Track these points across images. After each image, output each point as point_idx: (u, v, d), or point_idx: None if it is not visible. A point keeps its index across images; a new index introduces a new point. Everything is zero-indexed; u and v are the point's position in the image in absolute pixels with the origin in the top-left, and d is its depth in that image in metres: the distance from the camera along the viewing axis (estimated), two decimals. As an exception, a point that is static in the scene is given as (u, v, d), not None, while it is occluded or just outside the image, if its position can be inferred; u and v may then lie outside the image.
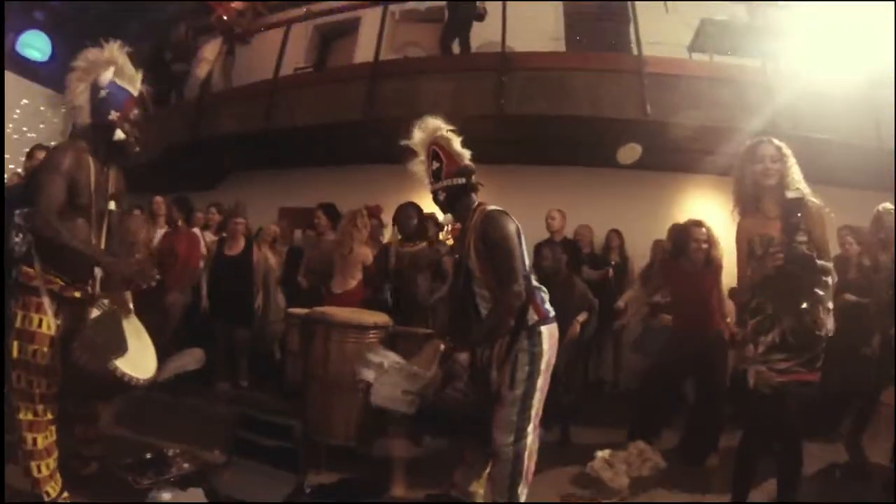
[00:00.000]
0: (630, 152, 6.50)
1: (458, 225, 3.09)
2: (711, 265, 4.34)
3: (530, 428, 2.83)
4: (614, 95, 6.00)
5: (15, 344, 2.68)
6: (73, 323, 2.73)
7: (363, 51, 7.76)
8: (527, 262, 2.95)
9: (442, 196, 2.99)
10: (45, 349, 2.68)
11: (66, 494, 2.82)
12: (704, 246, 4.31)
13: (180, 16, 10.80)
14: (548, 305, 2.95)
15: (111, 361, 2.54)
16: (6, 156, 5.09)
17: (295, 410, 3.95)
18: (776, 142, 2.92)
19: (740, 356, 4.71)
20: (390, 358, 3.04)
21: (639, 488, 3.75)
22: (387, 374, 2.94)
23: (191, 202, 6.51)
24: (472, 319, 2.95)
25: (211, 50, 8.95)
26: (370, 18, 7.98)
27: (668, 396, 4.66)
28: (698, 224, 4.42)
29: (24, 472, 2.74)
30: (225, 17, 9.04)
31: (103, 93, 2.87)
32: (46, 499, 2.74)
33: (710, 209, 5.51)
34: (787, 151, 2.89)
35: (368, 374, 2.97)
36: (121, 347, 2.61)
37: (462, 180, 2.96)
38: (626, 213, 6.77)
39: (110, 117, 2.87)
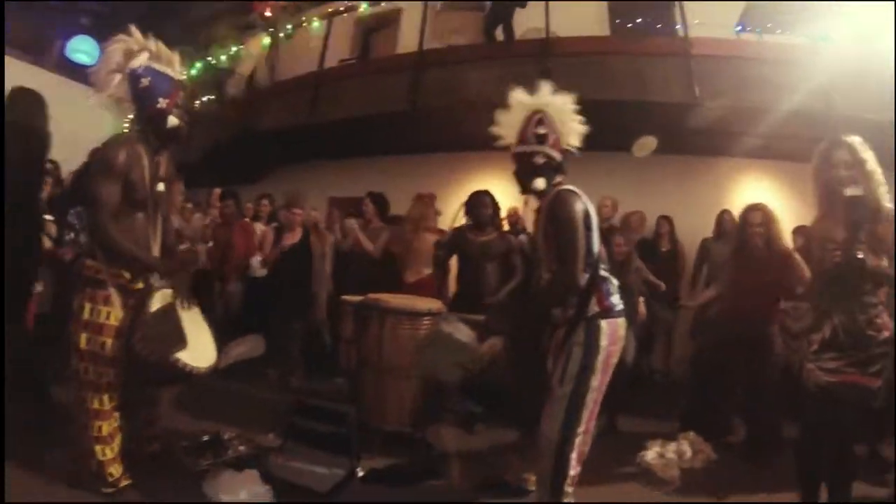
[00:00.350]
0: (645, 145, 6.41)
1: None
2: (774, 250, 4.13)
3: (580, 428, 2.60)
4: (661, 78, 5.92)
5: (83, 336, 2.73)
6: (135, 314, 2.73)
7: (406, 41, 7.80)
8: (595, 247, 2.71)
9: (541, 161, 2.74)
10: (113, 340, 2.73)
11: (127, 476, 2.88)
12: (760, 229, 4.14)
13: (220, 14, 11.04)
14: (615, 298, 2.71)
15: (172, 353, 2.61)
16: (62, 158, 5.24)
17: (349, 396, 4.02)
18: (853, 144, 2.73)
19: (792, 348, 4.67)
20: (460, 330, 2.93)
21: (690, 480, 3.65)
22: (440, 343, 2.89)
23: (239, 195, 6.61)
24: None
25: (254, 46, 9.12)
26: (411, 9, 8.01)
27: (719, 385, 4.34)
28: (754, 208, 4.26)
29: (88, 456, 2.80)
30: (268, 14, 9.21)
31: (145, 81, 2.84)
32: (110, 479, 2.82)
33: (760, 194, 5.42)
34: (865, 155, 2.71)
35: (427, 342, 2.99)
36: (180, 340, 2.66)
37: (560, 157, 2.79)
38: (675, 198, 6.65)
39: (159, 105, 2.85)
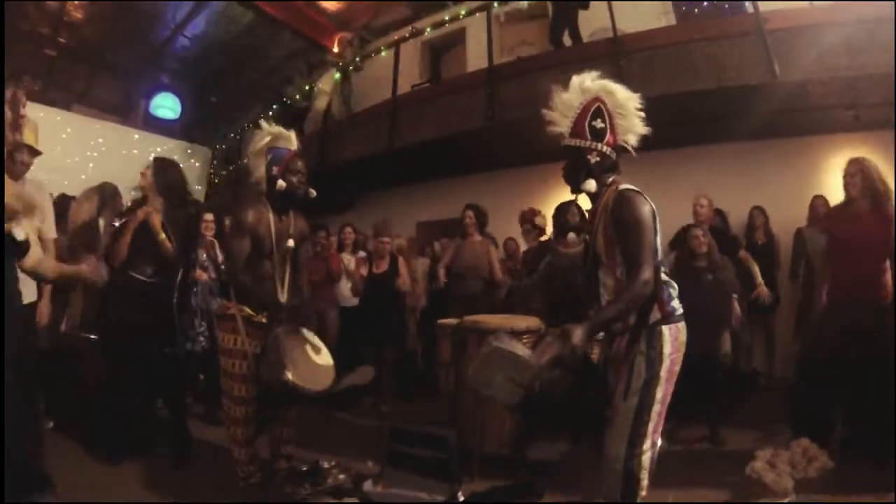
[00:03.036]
0: None
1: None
2: (879, 206, 3.77)
3: (647, 444, 2.46)
4: (737, 61, 5.71)
5: (222, 358, 3.43)
6: (262, 342, 3.27)
7: (474, 58, 7.94)
8: (659, 251, 2.56)
9: (595, 160, 2.60)
10: (241, 362, 3.35)
11: (258, 475, 3.47)
12: (856, 179, 3.85)
13: (290, 58, 11.50)
14: (675, 303, 2.58)
15: (282, 375, 3.03)
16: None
17: (448, 420, 4.06)
18: None
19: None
20: (514, 346, 2.67)
21: (805, 490, 3.42)
22: (494, 359, 2.64)
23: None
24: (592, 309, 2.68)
25: (326, 82, 9.44)
26: (475, 26, 8.15)
27: (832, 384, 3.92)
28: (850, 161, 3.98)
29: (230, 454, 3.45)
30: (336, 50, 9.54)
31: (269, 157, 3.48)
32: (241, 475, 3.43)
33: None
34: None
35: (480, 359, 2.72)
36: (281, 365, 3.06)
37: (615, 156, 2.65)
38: (768, 187, 6.46)
39: (273, 173, 3.43)
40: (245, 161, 3.70)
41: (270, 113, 10.17)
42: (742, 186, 6.53)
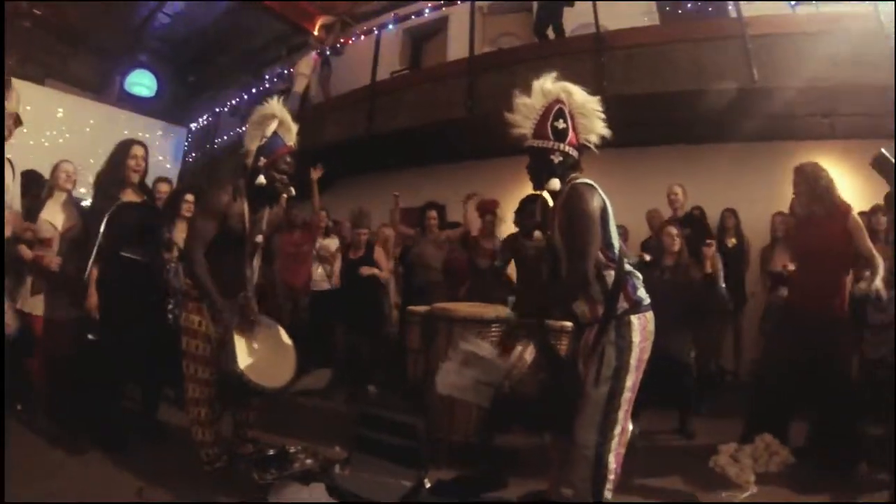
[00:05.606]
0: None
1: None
2: (832, 212, 3.77)
3: (617, 430, 2.55)
4: (718, 64, 5.73)
5: (183, 338, 3.31)
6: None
7: (455, 48, 7.87)
8: (615, 243, 2.65)
9: (558, 159, 2.68)
10: (202, 344, 3.28)
11: (224, 458, 3.41)
12: (800, 188, 3.87)
13: (271, 41, 11.34)
14: (641, 292, 2.66)
15: (234, 369, 3.04)
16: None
17: (416, 408, 3.99)
18: None
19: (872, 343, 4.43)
20: (482, 348, 2.86)
21: (765, 485, 3.50)
22: (463, 364, 2.80)
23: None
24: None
25: (306, 65, 9.31)
26: (458, 16, 8.08)
27: (789, 386, 3.94)
28: (799, 166, 3.97)
29: (192, 436, 3.36)
30: (317, 34, 9.42)
31: (263, 140, 3.28)
32: (205, 459, 3.35)
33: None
34: None
35: (448, 364, 2.87)
36: (230, 360, 3.07)
37: (576, 155, 2.74)
38: (741, 189, 6.48)
39: (259, 163, 3.25)
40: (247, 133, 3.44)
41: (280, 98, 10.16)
42: (715, 188, 6.54)
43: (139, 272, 3.96)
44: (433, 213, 5.95)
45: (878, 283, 3.51)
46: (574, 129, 2.72)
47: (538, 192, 3.64)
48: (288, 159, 3.31)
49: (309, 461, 3.42)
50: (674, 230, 4.80)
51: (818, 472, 3.63)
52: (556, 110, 2.69)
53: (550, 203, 2.86)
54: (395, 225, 6.36)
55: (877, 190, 4.71)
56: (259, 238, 3.37)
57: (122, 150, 4.00)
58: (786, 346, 3.95)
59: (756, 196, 6.38)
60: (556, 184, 2.67)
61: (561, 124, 2.68)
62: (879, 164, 2.78)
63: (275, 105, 3.37)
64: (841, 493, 3.35)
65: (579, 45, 6.40)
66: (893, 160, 2.77)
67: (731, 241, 6.28)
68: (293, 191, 3.37)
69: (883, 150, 2.79)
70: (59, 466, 3.40)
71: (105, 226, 3.74)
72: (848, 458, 3.64)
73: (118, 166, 3.95)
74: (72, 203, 4.28)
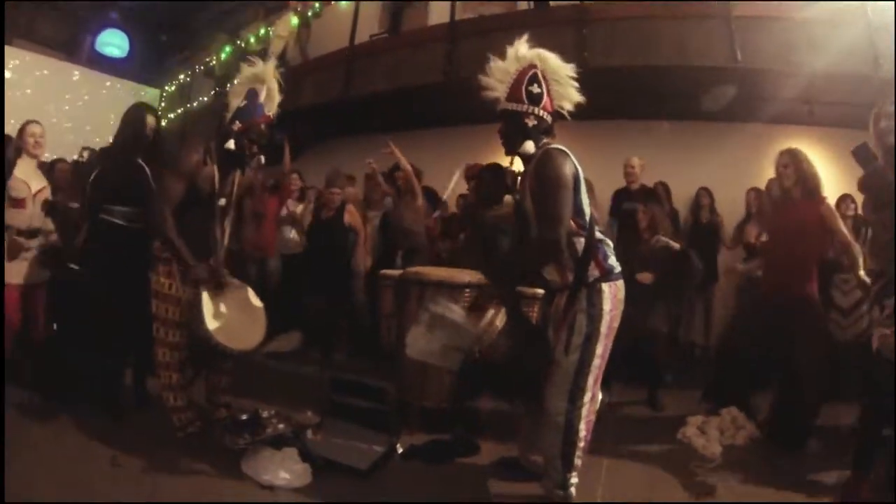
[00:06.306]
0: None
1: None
2: (811, 195, 3.78)
3: (587, 397, 2.60)
4: (701, 42, 5.72)
5: (153, 301, 3.24)
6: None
7: (436, 13, 7.74)
8: (587, 209, 2.66)
9: (532, 123, 2.66)
10: (174, 307, 3.23)
11: (197, 423, 3.36)
12: (787, 170, 3.84)
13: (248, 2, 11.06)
14: (612, 260, 2.67)
15: (202, 331, 3.05)
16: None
17: (388, 373, 3.99)
18: None
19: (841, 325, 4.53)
20: (452, 311, 2.84)
21: (732, 457, 3.53)
22: (432, 327, 2.79)
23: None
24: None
25: (283, 26, 9.09)
26: (439, -21, 7.91)
27: (750, 362, 3.96)
28: (783, 151, 3.96)
29: (164, 402, 3.32)
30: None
31: (243, 102, 3.23)
32: (177, 424, 3.31)
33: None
34: None
35: (418, 327, 2.86)
36: (198, 321, 3.07)
37: (550, 120, 2.73)
38: (717, 168, 6.42)
39: (234, 126, 3.20)
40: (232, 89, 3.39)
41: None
42: (691, 165, 6.52)
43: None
44: (400, 175, 5.82)
45: (862, 273, 3.58)
46: (549, 94, 2.72)
47: (497, 163, 3.73)
48: (262, 128, 3.25)
49: (281, 426, 3.40)
50: (641, 211, 4.80)
51: (773, 446, 3.70)
52: (530, 75, 2.68)
53: (521, 168, 2.83)
54: (381, 186, 6.27)
55: (849, 180, 4.72)
56: (222, 201, 3.30)
57: (138, 116, 3.74)
58: (752, 321, 4.01)
59: (730, 176, 6.37)
60: (530, 146, 2.65)
61: (536, 89, 2.67)
62: (861, 155, 2.73)
63: (268, 70, 3.32)
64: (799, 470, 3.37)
65: (562, 14, 6.31)
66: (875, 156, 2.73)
67: (706, 218, 6.34)
68: (262, 160, 3.32)
69: (867, 143, 2.75)
70: (30, 438, 3.22)
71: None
72: (800, 434, 3.69)
73: (139, 133, 3.70)
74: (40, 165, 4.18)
